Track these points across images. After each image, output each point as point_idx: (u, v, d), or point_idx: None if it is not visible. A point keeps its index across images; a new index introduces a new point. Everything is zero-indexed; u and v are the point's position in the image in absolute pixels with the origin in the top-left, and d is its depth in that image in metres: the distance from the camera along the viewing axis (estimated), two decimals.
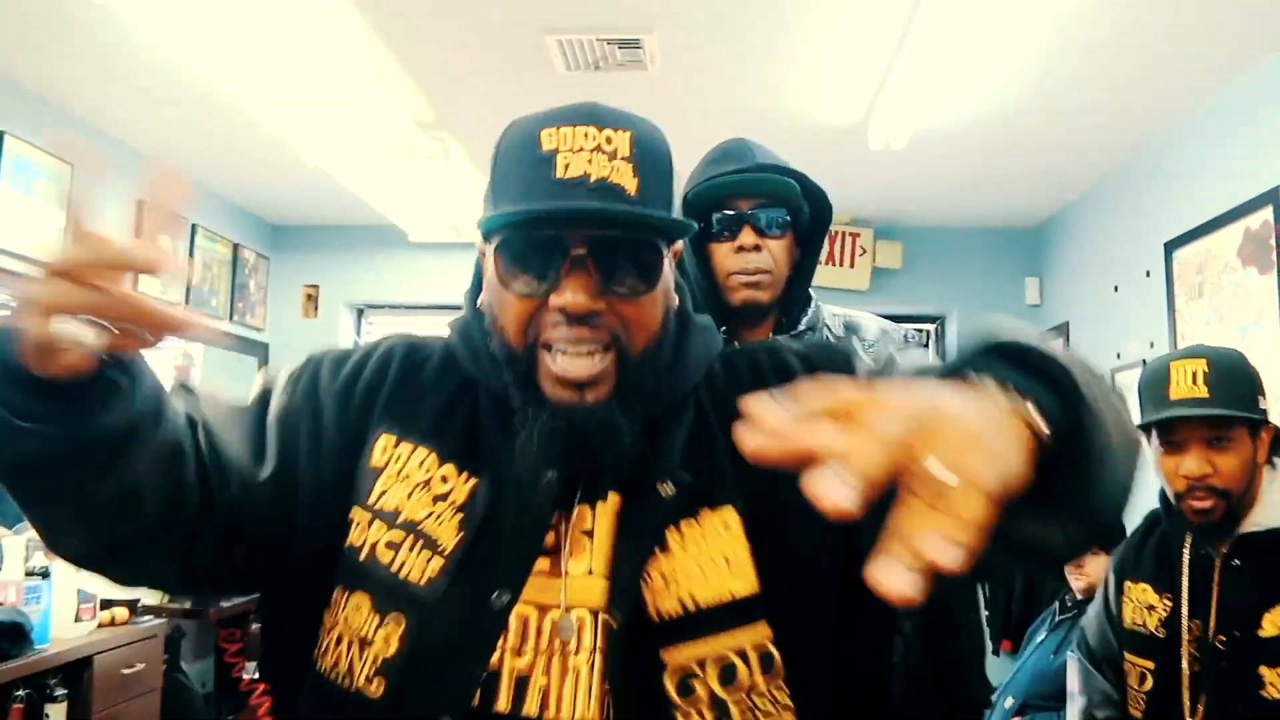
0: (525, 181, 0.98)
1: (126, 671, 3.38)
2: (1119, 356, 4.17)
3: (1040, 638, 3.73)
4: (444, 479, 1.02)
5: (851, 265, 5.17)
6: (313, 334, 5.55)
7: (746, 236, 1.73)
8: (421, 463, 1.03)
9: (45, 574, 3.15)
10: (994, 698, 4.16)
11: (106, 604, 3.43)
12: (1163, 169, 3.85)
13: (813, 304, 1.87)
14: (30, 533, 3.30)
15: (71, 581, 3.23)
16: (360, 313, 5.80)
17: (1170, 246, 3.72)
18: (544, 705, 0.93)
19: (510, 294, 0.99)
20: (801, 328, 1.82)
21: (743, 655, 0.95)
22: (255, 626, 4.48)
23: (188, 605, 3.90)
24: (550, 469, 0.98)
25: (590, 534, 0.99)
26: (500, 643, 0.95)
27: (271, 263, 5.52)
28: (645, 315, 1.00)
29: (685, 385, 1.07)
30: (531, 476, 0.99)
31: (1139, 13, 2.90)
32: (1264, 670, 1.75)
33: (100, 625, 3.36)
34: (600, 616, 0.95)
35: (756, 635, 0.96)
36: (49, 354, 0.79)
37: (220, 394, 1.10)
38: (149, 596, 3.75)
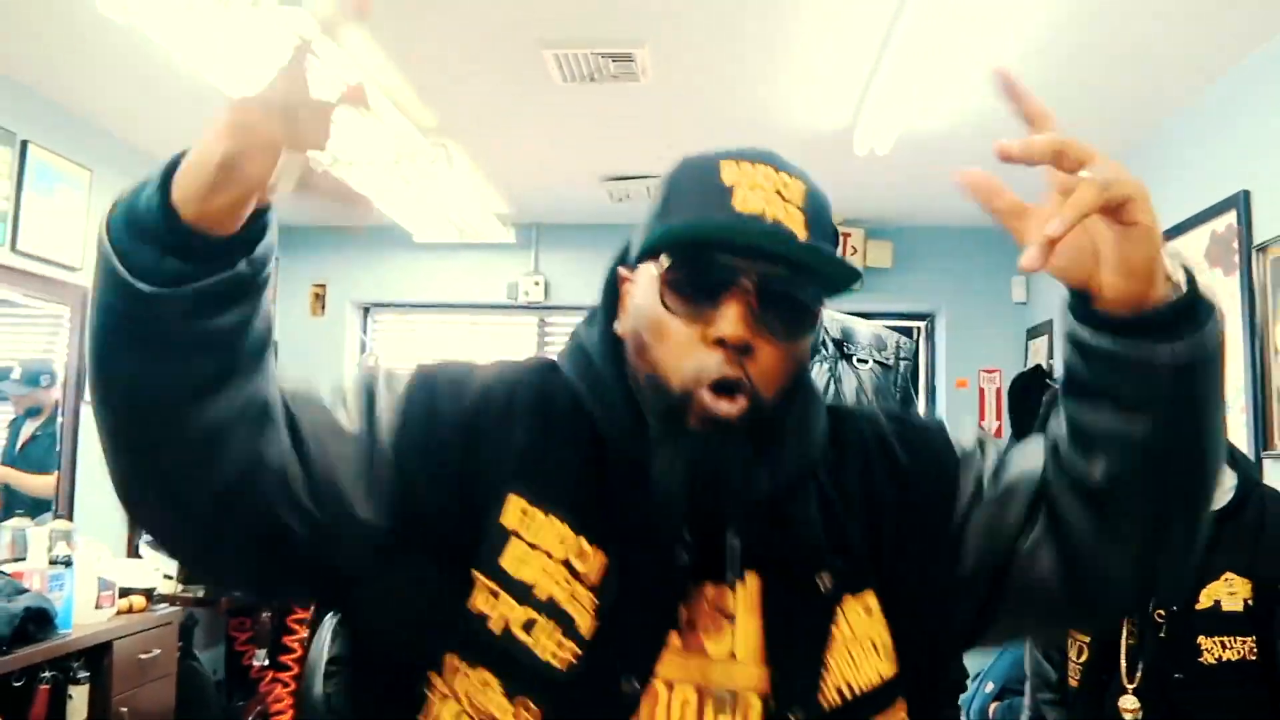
0: (703, 207, 0.96)
1: (144, 657, 3.54)
2: None
3: None
4: (580, 554, 0.94)
5: None
6: (320, 332, 5.72)
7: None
8: (555, 533, 0.94)
9: (68, 563, 3.31)
10: (974, 683, 4.32)
11: (125, 592, 3.59)
12: (1137, 172, 3.98)
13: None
14: (54, 523, 3.47)
15: (92, 570, 3.40)
16: (366, 311, 5.95)
17: None
18: None
19: (674, 316, 0.94)
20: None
21: None
22: (265, 616, 4.62)
23: (200, 594, 4.05)
24: (683, 549, 0.94)
25: (731, 618, 0.95)
26: None
27: (279, 263, 5.65)
28: (784, 363, 0.96)
29: (811, 456, 1.04)
30: (663, 551, 0.94)
31: (1114, 22, 3.04)
32: (1201, 639, 1.92)
33: (119, 613, 3.52)
34: (750, 701, 0.93)
35: (897, 714, 0.98)
36: (250, 193, 0.78)
37: (303, 381, 0.96)
38: (164, 585, 3.91)
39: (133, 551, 4.21)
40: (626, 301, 1.01)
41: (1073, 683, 2.10)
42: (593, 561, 0.93)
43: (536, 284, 5.59)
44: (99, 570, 3.44)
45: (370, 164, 4.03)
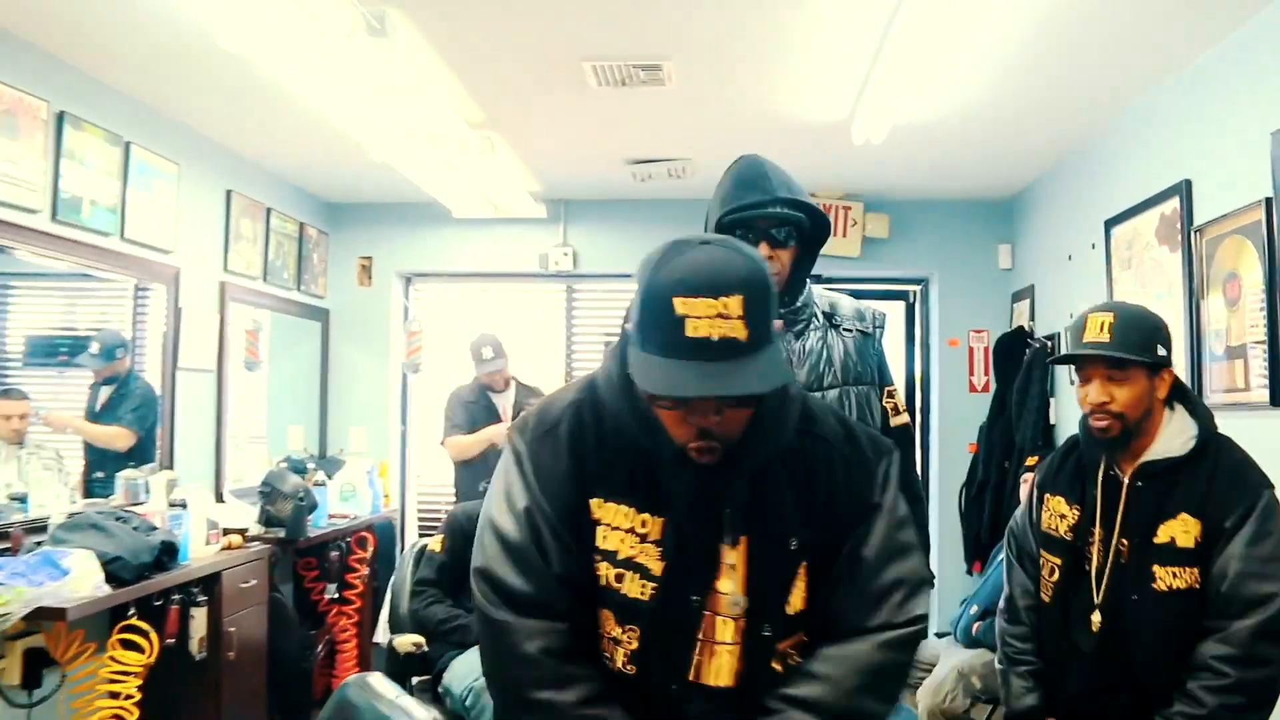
0: (665, 339, 1.33)
1: (243, 586, 4.11)
2: (1071, 316, 4.86)
3: (1002, 555, 4.45)
4: (643, 524, 1.48)
5: (844, 235, 5.83)
6: (367, 300, 6.27)
7: (763, 249, 2.26)
8: (623, 514, 1.49)
9: (184, 505, 3.88)
10: (961, 606, 4.90)
11: (225, 531, 4.16)
12: (1105, 156, 4.52)
13: (806, 288, 2.51)
14: (171, 474, 4.03)
15: (202, 512, 3.96)
16: (409, 281, 6.48)
17: (1109, 224, 4.40)
18: (702, 671, 1.48)
19: (662, 413, 1.42)
20: (802, 300, 2.42)
21: (800, 643, 1.54)
22: (334, 555, 5.20)
23: (281, 535, 4.60)
24: (713, 506, 1.47)
25: (734, 566, 1.48)
26: (699, 633, 1.48)
27: (330, 238, 6.22)
28: (740, 416, 1.41)
29: (783, 442, 1.50)
30: (699, 516, 1.47)
31: (1078, 27, 3.44)
32: (1156, 568, 2.19)
33: (222, 549, 4.09)
34: (735, 621, 1.49)
35: (799, 636, 1.54)
36: None
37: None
38: (252, 527, 4.48)
39: (219, 498, 4.79)
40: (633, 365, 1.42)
41: (1045, 596, 2.42)
42: (653, 526, 1.47)
43: (565, 254, 6.11)
44: (205, 512, 4.01)
45: (420, 159, 4.57)
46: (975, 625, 4.60)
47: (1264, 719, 2.19)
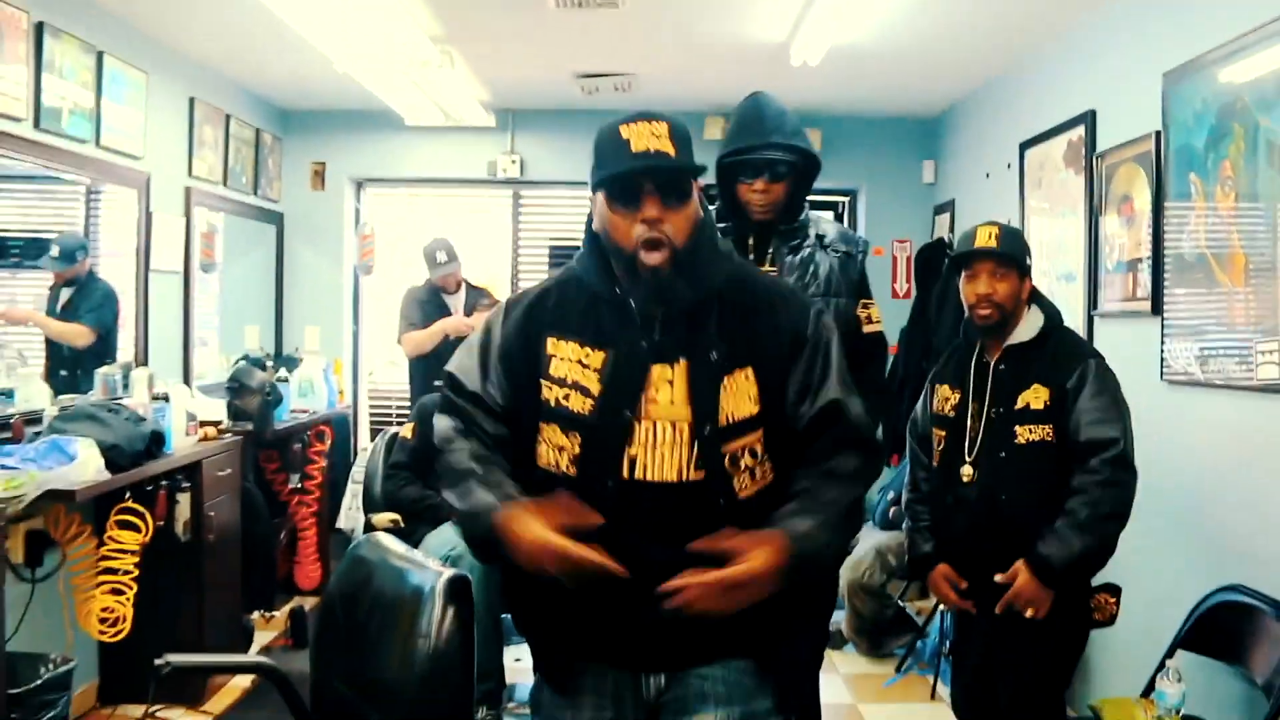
0: (617, 156, 1.74)
1: (220, 474, 4.40)
2: None
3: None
4: (587, 354, 1.80)
5: None
6: (320, 204, 6.48)
7: (760, 184, 2.79)
8: (571, 349, 1.82)
9: (166, 398, 4.15)
10: (878, 494, 5.35)
11: (202, 424, 4.44)
12: (1023, 82, 4.89)
13: (804, 213, 2.94)
14: (149, 370, 4.28)
15: (182, 405, 4.24)
16: (360, 186, 6.69)
17: (1023, 146, 4.77)
18: (649, 469, 1.75)
19: (616, 217, 1.76)
20: (799, 223, 2.89)
21: (753, 445, 1.79)
22: (296, 446, 5.50)
23: (250, 428, 4.87)
24: (644, 340, 1.79)
25: (671, 382, 1.78)
26: (630, 439, 1.76)
27: (285, 143, 6.39)
28: (685, 220, 1.76)
29: (714, 283, 1.82)
30: (633, 343, 1.79)
31: None
32: (1017, 428, 2.76)
33: (200, 440, 4.38)
34: (683, 426, 1.75)
35: (757, 436, 1.79)
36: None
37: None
38: (225, 420, 4.76)
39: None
40: (597, 215, 1.83)
41: (934, 462, 2.98)
42: (595, 358, 1.80)
43: (513, 162, 6.35)
44: (186, 405, 4.29)
45: (381, 70, 4.76)
46: (891, 510, 5.07)
47: (1120, 530, 2.70)
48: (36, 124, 3.87)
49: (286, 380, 5.48)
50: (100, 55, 4.27)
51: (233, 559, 4.56)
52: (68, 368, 4.51)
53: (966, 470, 2.84)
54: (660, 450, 1.76)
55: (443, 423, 1.91)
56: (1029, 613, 2.69)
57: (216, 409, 4.77)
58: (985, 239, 2.84)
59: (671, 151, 1.74)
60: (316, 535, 5.76)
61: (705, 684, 1.85)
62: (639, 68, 5.32)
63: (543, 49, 5.02)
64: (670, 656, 1.85)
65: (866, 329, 2.96)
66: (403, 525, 4.00)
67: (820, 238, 2.93)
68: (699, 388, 1.77)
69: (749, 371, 1.80)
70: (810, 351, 1.86)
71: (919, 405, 3.14)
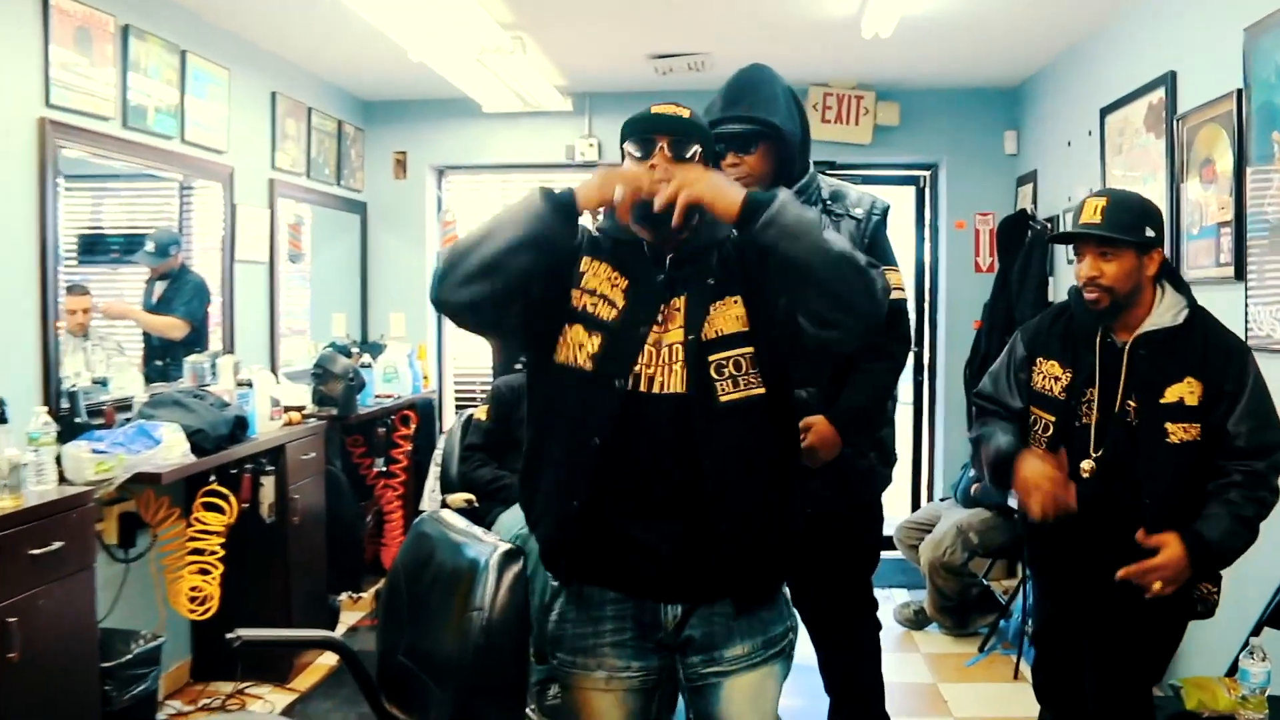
0: (640, 123, 2.00)
1: (304, 458, 4.52)
2: (1069, 199, 5.14)
3: None
4: (615, 277, 2.03)
5: (856, 123, 6.08)
6: (402, 193, 6.58)
7: (730, 157, 2.75)
8: (604, 269, 2.04)
9: (250, 385, 4.28)
10: (961, 471, 5.28)
11: (287, 409, 4.56)
12: (1101, 47, 4.76)
13: (807, 176, 2.87)
14: (235, 357, 4.41)
15: (266, 391, 4.36)
16: (441, 173, 6.78)
17: (1104, 112, 4.65)
18: (653, 383, 1.95)
19: (634, 163, 1.98)
20: (795, 189, 2.78)
21: (739, 358, 1.95)
22: (380, 430, 5.62)
23: (334, 413, 5.00)
24: (660, 274, 2.01)
25: (679, 310, 1.99)
26: (642, 353, 1.96)
27: (366, 134, 6.51)
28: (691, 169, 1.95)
29: (718, 235, 2.03)
30: (650, 277, 2.01)
31: None
32: (1169, 425, 2.49)
33: (284, 425, 4.50)
34: (683, 345, 1.95)
35: (746, 350, 1.96)
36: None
37: None
38: (308, 406, 4.88)
39: (276, 379, 5.18)
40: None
41: (1038, 450, 2.65)
42: (621, 280, 2.02)
43: (591, 145, 6.38)
44: (270, 391, 4.41)
45: (455, 58, 4.83)
46: (974, 486, 4.99)
47: (1249, 542, 2.50)
48: (124, 122, 4.01)
49: (370, 366, 5.60)
50: (184, 54, 4.40)
51: (318, 541, 4.67)
52: (162, 357, 4.68)
53: (1088, 465, 2.59)
54: (669, 367, 1.96)
55: None
56: (1156, 587, 2.43)
57: (302, 394, 4.90)
58: (1090, 214, 2.57)
59: (687, 115, 2.02)
60: (403, 517, 5.87)
61: (725, 620, 2.02)
62: (712, 47, 5.30)
63: (615, 31, 5.03)
64: (686, 589, 2.00)
65: None
66: (477, 505, 4.06)
67: (828, 203, 2.86)
68: (693, 308, 1.99)
69: (739, 298, 1.99)
70: None
71: (997, 370, 2.87)
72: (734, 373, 1.95)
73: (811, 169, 2.91)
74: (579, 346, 1.98)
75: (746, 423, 1.95)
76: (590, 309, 2.00)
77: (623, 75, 5.89)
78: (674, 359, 1.95)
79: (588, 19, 4.81)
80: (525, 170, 6.70)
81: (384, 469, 5.67)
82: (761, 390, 1.96)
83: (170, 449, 3.53)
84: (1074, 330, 2.69)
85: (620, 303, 2.00)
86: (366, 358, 5.73)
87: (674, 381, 1.94)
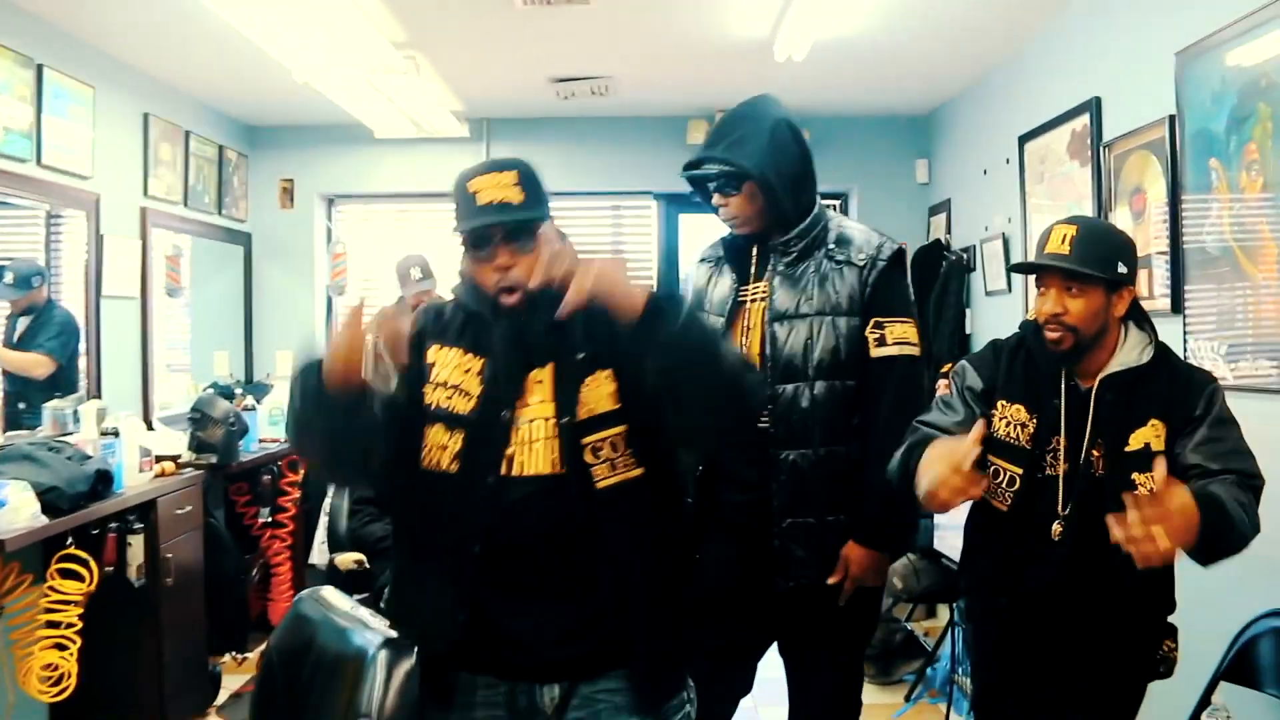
0: (466, 209, 1.83)
1: (179, 512, 4.12)
2: (986, 229, 5.01)
3: None
4: (468, 360, 1.90)
5: None
6: (290, 223, 6.21)
7: (717, 198, 2.62)
8: (454, 356, 1.92)
9: (115, 434, 3.87)
10: None
11: (159, 459, 4.17)
12: (1019, 74, 4.64)
13: (812, 214, 2.62)
14: (94, 402, 4.02)
15: (135, 440, 3.96)
16: (331, 202, 6.42)
17: (1023, 139, 4.52)
18: (513, 463, 1.83)
19: (475, 264, 1.87)
20: (798, 231, 2.59)
21: (614, 439, 1.85)
22: (265, 479, 5.22)
23: (213, 460, 4.61)
24: (517, 348, 1.87)
25: (541, 382, 1.87)
26: (509, 438, 1.84)
27: (250, 160, 6.13)
28: (532, 265, 1.81)
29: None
30: (508, 355, 1.87)
31: None
32: (1136, 476, 2.17)
33: (156, 476, 4.10)
34: (550, 421, 1.84)
35: (619, 429, 1.85)
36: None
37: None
38: (184, 454, 4.48)
39: (148, 426, 4.77)
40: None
41: (1000, 506, 2.33)
42: (475, 364, 1.89)
43: None
44: (139, 440, 4.01)
45: (344, 80, 4.52)
46: None
47: (1245, 535, 2.07)
48: None
49: (254, 409, 5.20)
50: (40, 68, 4.01)
51: (195, 601, 4.27)
52: (30, 399, 4.28)
53: (1056, 527, 2.28)
54: (534, 446, 1.84)
55: None
56: (1162, 545, 1.86)
57: (178, 441, 4.50)
58: (1057, 243, 2.25)
59: (518, 199, 1.82)
60: (292, 570, 5.47)
61: (610, 699, 1.87)
62: (616, 69, 5.07)
63: (513, 53, 4.76)
64: (566, 667, 1.86)
65: (873, 352, 2.53)
66: (368, 566, 3.72)
67: (829, 249, 2.61)
68: (562, 385, 1.87)
69: (610, 372, 1.87)
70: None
71: (949, 398, 2.47)
72: (610, 454, 1.86)
73: (818, 208, 2.67)
74: (440, 448, 1.88)
75: (627, 504, 1.86)
76: (445, 404, 1.89)
77: (523, 99, 5.62)
78: (533, 436, 1.86)
79: (485, 39, 4.54)
80: (420, 200, 6.39)
81: (269, 519, 5.26)
82: (639, 471, 1.87)
83: (16, 511, 3.12)
84: (1037, 372, 2.38)
85: (475, 390, 1.88)
86: (250, 399, 5.33)
87: (537, 461, 1.85)
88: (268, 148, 6.16)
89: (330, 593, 2.11)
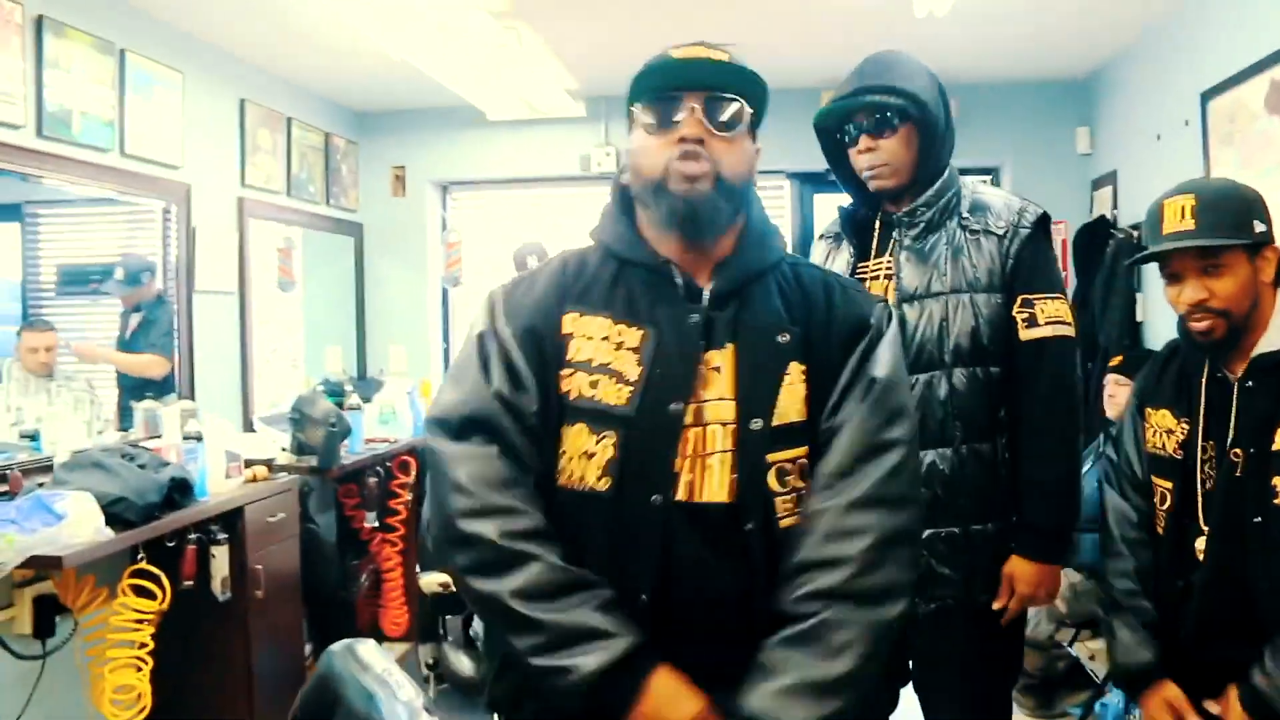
0: (659, 73, 1.45)
1: (271, 520, 3.87)
2: None
3: (1085, 467, 4.08)
4: (621, 329, 1.43)
5: None
6: (402, 211, 5.96)
7: (863, 142, 2.21)
8: (600, 325, 1.44)
9: (199, 437, 3.63)
10: None
11: (249, 463, 3.92)
12: (1199, 21, 4.03)
13: (943, 179, 2.24)
14: (180, 403, 3.80)
15: (220, 443, 3.72)
16: (445, 189, 6.16)
17: (1206, 96, 3.92)
18: (688, 490, 1.37)
19: (651, 139, 1.43)
20: (926, 197, 2.21)
21: (801, 462, 1.42)
22: (373, 482, 4.97)
23: (314, 463, 4.37)
24: (693, 314, 1.42)
25: (719, 370, 1.40)
26: (684, 445, 1.38)
27: (360, 147, 5.90)
28: (734, 153, 1.43)
29: (770, 258, 1.50)
30: (681, 317, 1.42)
31: None
32: (1277, 481, 1.82)
33: (246, 481, 3.86)
34: (729, 427, 1.38)
35: (803, 451, 1.42)
36: None
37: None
38: (281, 457, 4.24)
39: (248, 426, 4.56)
40: (632, 144, 1.49)
41: (1159, 529, 2.05)
42: (630, 335, 1.42)
43: (608, 155, 5.74)
44: (225, 444, 3.77)
45: (443, 55, 4.21)
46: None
47: None
48: (39, 130, 3.40)
49: (359, 408, 4.95)
50: (122, 53, 3.79)
51: (290, 613, 4.02)
52: (139, 399, 4.14)
53: (1201, 544, 1.93)
54: (707, 462, 1.38)
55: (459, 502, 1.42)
56: None
57: (276, 443, 4.26)
58: (1176, 219, 1.91)
59: (725, 58, 1.45)
60: (404, 578, 5.22)
61: None
62: (741, 37, 4.61)
63: (623, 18, 4.38)
64: None
65: (1023, 334, 2.17)
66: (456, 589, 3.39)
67: (963, 218, 2.23)
68: (752, 376, 1.41)
69: (804, 369, 1.43)
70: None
71: (1124, 437, 2.17)
72: (796, 484, 1.41)
73: (951, 171, 2.29)
74: (585, 457, 1.40)
75: (788, 550, 1.40)
76: (591, 392, 1.41)
77: None
78: (708, 447, 1.39)
79: (593, 6, 4.16)
80: (538, 184, 6.06)
81: (376, 524, 5.01)
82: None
83: (78, 524, 2.88)
84: (1187, 370, 2.04)
85: (633, 372, 1.40)
86: (356, 398, 5.08)
87: (711, 483, 1.38)
88: (378, 134, 5.93)
89: (366, 649, 1.80)
